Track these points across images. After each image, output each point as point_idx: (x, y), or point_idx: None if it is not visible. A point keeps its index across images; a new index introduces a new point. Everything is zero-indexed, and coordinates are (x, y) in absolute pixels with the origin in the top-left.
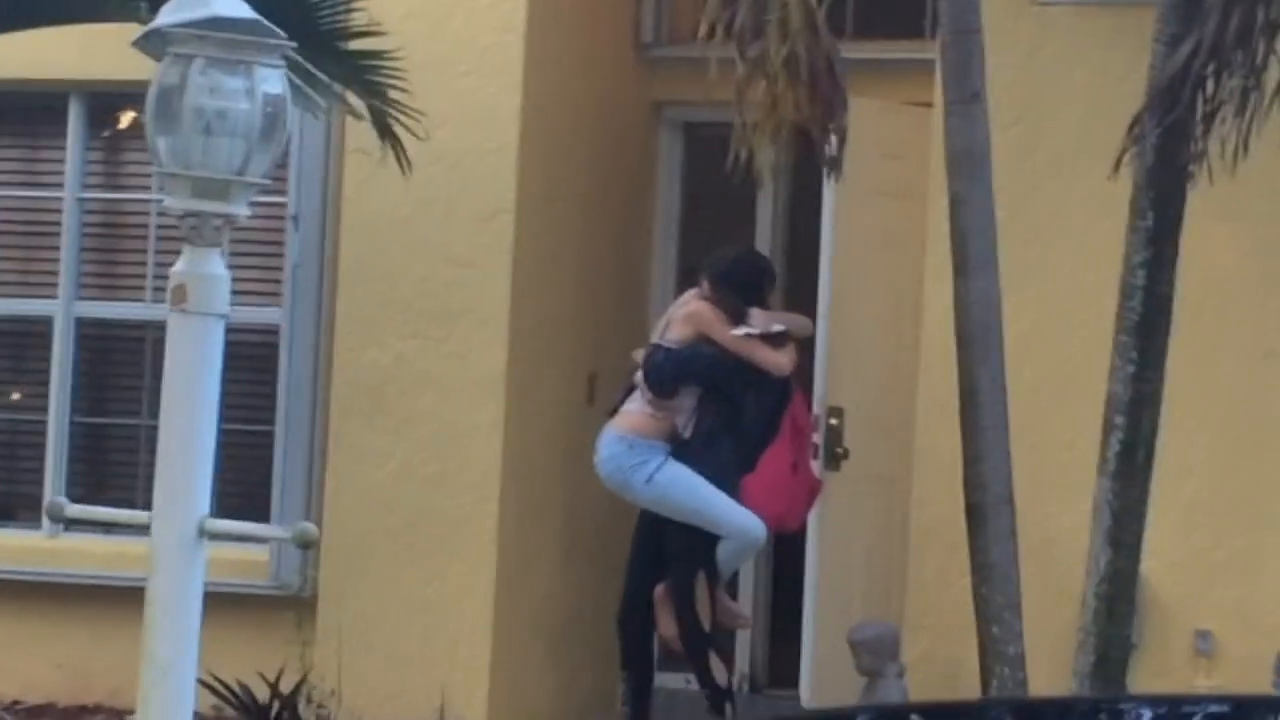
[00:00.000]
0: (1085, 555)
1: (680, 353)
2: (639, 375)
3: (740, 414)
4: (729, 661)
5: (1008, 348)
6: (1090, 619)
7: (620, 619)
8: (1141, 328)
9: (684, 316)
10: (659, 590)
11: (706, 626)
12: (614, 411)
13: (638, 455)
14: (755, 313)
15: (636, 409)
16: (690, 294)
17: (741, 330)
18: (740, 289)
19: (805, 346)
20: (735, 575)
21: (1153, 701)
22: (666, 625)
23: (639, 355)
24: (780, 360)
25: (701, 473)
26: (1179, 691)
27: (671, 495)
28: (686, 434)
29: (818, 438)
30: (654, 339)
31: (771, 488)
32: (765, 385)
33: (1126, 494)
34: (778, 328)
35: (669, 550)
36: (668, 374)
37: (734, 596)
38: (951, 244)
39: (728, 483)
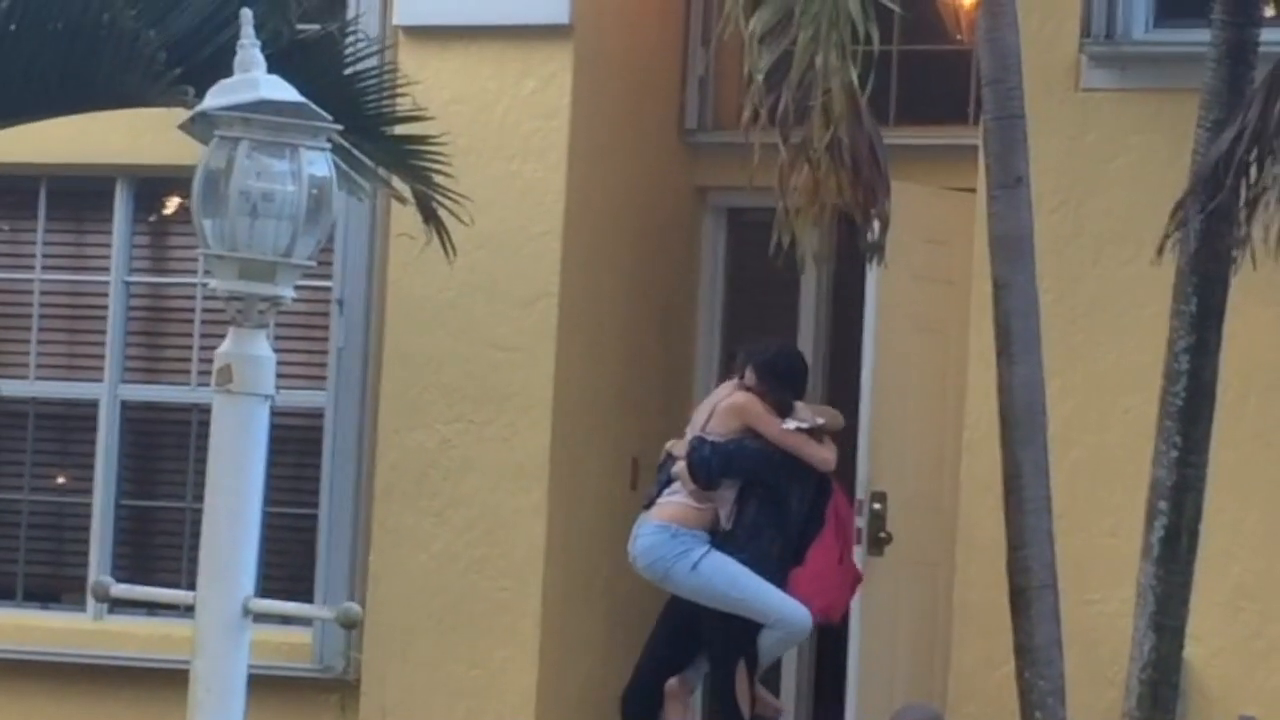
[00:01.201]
0: (1129, 640)
1: (726, 446)
2: (679, 467)
3: (784, 506)
4: None
5: (1051, 432)
6: (1134, 704)
7: (625, 696)
8: (1185, 413)
9: (729, 409)
10: (672, 683)
11: (746, 717)
12: (650, 503)
13: (681, 545)
14: (801, 406)
15: (678, 500)
16: (729, 385)
17: (792, 424)
18: (786, 381)
19: (840, 437)
20: (777, 662)
21: None
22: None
23: (675, 447)
24: (828, 456)
25: (746, 563)
26: None
27: (717, 584)
28: (728, 525)
29: (861, 522)
30: (692, 430)
31: (820, 579)
32: (807, 478)
33: (1170, 579)
34: (820, 421)
35: (706, 641)
36: (715, 467)
37: (777, 682)
38: (995, 328)
39: (771, 573)
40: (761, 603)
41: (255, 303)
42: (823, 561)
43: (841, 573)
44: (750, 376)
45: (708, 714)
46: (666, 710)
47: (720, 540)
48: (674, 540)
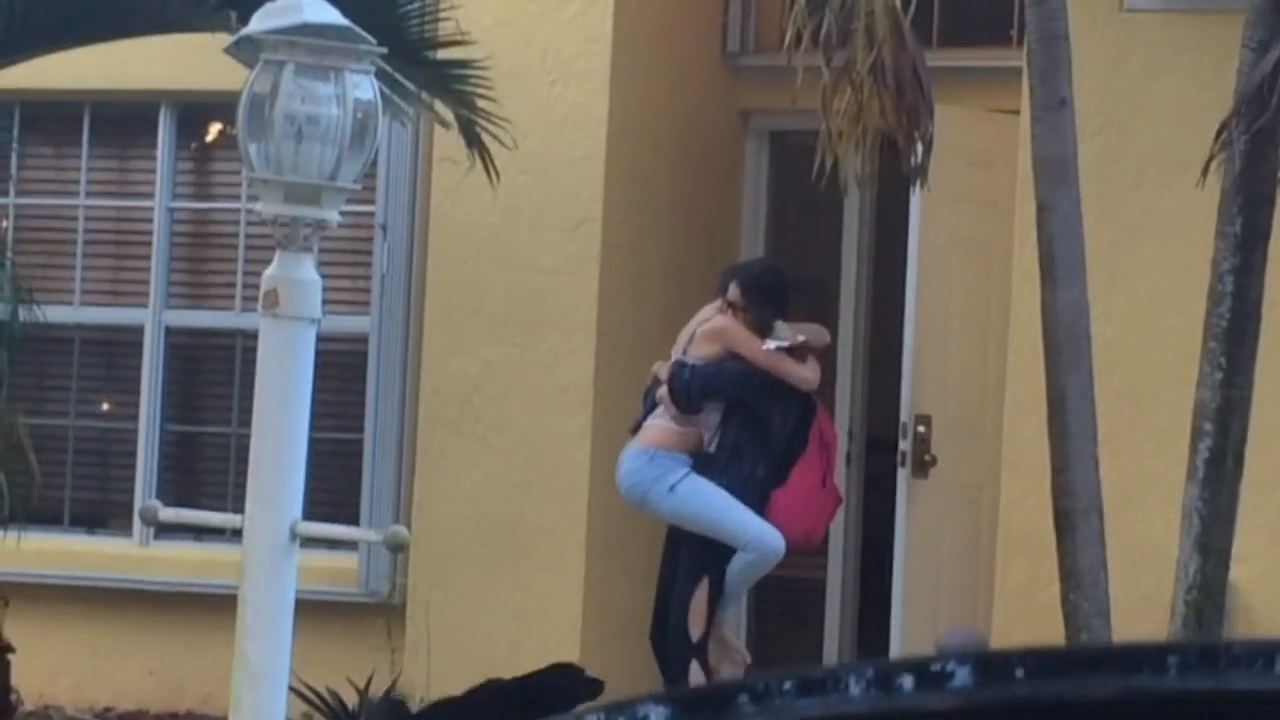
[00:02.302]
0: (1174, 562)
1: (706, 369)
2: (662, 391)
3: (767, 428)
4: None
5: (1095, 355)
6: (1179, 626)
7: (652, 637)
8: (1230, 334)
9: (708, 332)
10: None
11: (695, 636)
12: (636, 428)
13: (659, 468)
14: (781, 325)
15: (660, 424)
16: (712, 307)
17: (772, 344)
18: (770, 297)
19: (825, 354)
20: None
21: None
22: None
23: (661, 370)
24: (809, 375)
25: (726, 486)
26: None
27: (691, 506)
28: (711, 448)
29: (905, 445)
30: (676, 353)
31: (802, 500)
32: (790, 398)
33: (1215, 501)
34: (802, 339)
35: (681, 562)
36: (695, 391)
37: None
38: (1039, 251)
39: (753, 496)
40: (735, 525)
41: (301, 226)
42: (805, 483)
43: (823, 495)
44: (734, 293)
45: None
46: (713, 657)
47: (703, 463)
48: (652, 464)
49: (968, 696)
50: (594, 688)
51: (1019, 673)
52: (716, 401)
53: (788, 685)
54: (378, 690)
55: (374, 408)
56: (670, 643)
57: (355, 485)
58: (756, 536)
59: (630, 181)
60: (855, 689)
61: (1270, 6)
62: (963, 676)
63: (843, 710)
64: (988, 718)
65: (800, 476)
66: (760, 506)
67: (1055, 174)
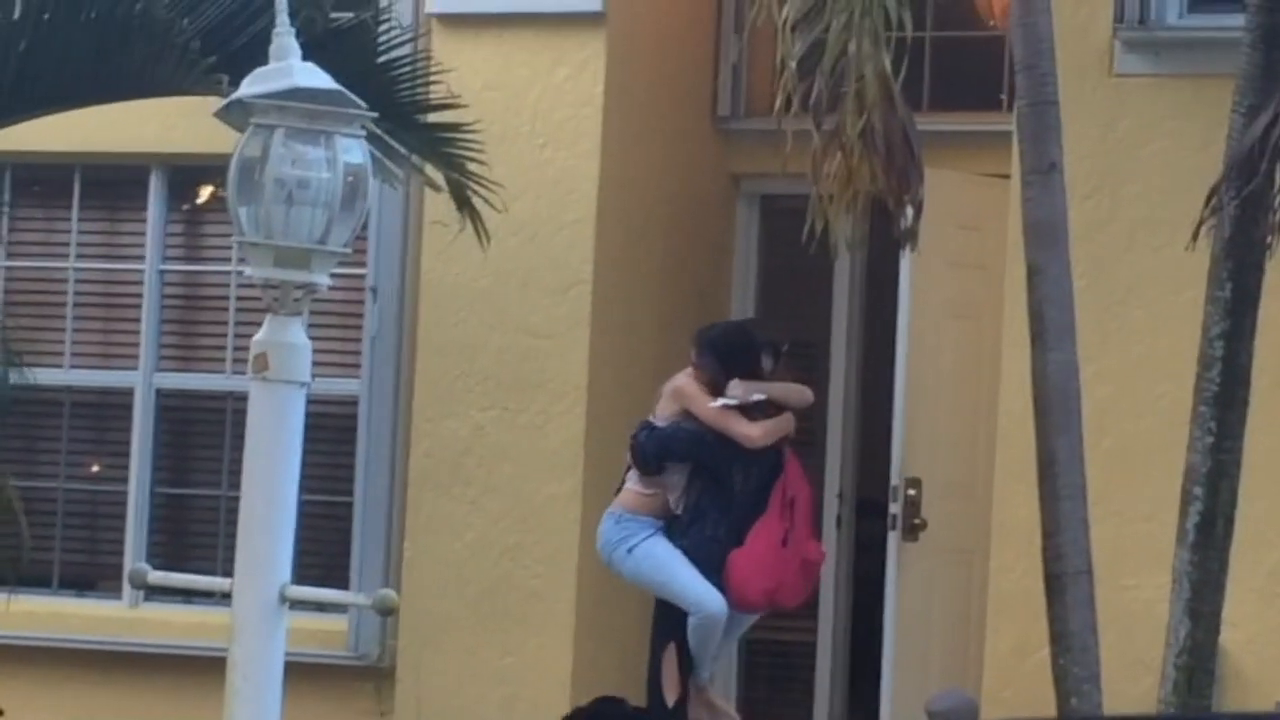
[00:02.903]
0: (1165, 626)
1: (662, 431)
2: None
3: (726, 488)
4: None
5: (1086, 418)
6: (1170, 690)
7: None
8: (1220, 399)
9: (668, 392)
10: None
11: (670, 701)
12: (618, 491)
13: (623, 530)
14: (735, 383)
15: (629, 486)
16: (686, 372)
17: (719, 402)
18: (725, 359)
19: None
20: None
21: None
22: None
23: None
24: (751, 432)
25: (687, 548)
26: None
27: (644, 569)
28: (678, 510)
29: (895, 508)
30: (651, 415)
31: (759, 562)
32: (750, 457)
33: (1206, 565)
34: (756, 397)
35: (652, 626)
36: (650, 452)
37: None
38: (1029, 314)
39: (714, 557)
40: (678, 587)
41: (291, 290)
42: (762, 544)
43: (783, 556)
44: (692, 352)
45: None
46: (692, 711)
47: (669, 525)
48: (617, 526)
49: None
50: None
51: None
52: (673, 462)
53: None
54: None
55: (364, 470)
56: (649, 707)
57: (345, 548)
58: (694, 599)
59: (621, 244)
60: None
61: (1260, 72)
62: None
63: None
64: None
65: (757, 537)
66: (720, 567)
67: (1045, 237)
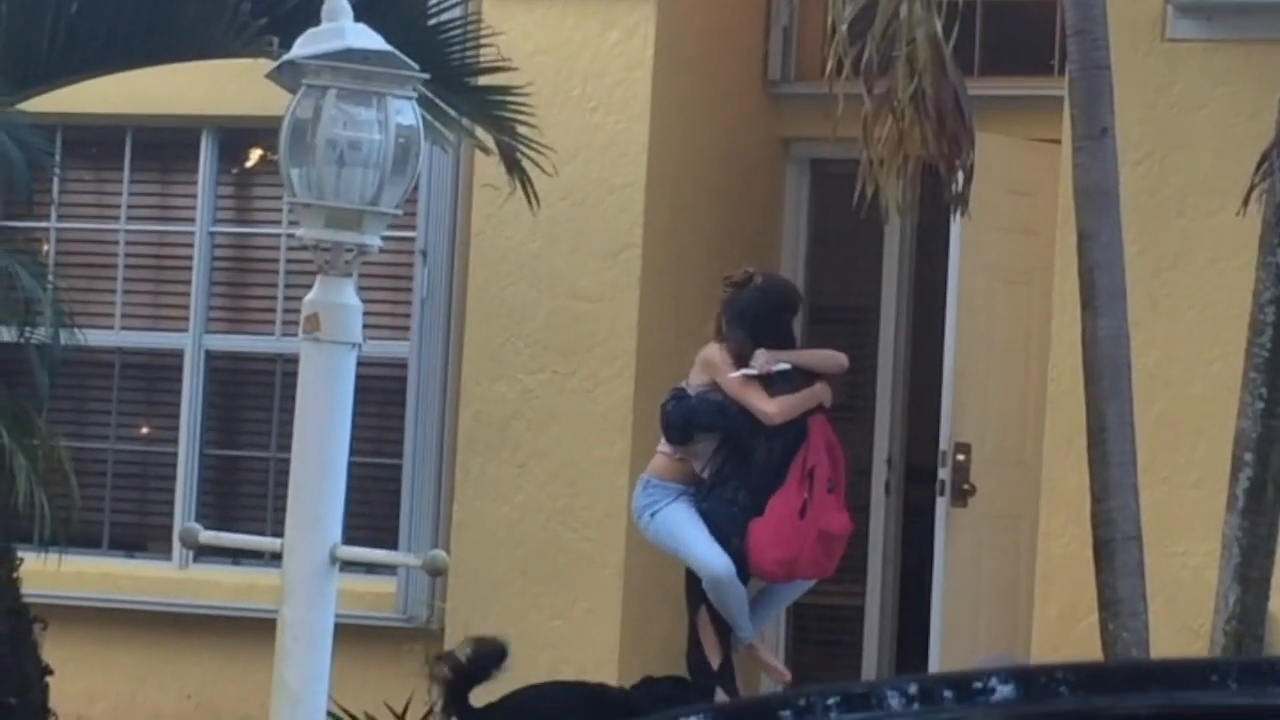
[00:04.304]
0: (1213, 592)
1: (688, 402)
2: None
3: (749, 456)
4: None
5: (1136, 384)
6: (1218, 656)
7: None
8: (1271, 364)
9: (698, 361)
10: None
11: (715, 664)
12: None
13: (650, 496)
14: (759, 353)
15: (660, 449)
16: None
17: (739, 372)
18: (753, 327)
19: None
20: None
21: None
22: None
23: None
24: (768, 409)
25: (707, 513)
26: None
27: (661, 534)
28: (705, 476)
29: (944, 474)
30: (684, 383)
31: (775, 533)
32: (779, 430)
33: (1255, 531)
34: (780, 367)
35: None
36: (675, 422)
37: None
38: (1080, 280)
39: (729, 523)
40: (687, 551)
41: (342, 251)
42: (778, 515)
43: (799, 528)
44: (722, 324)
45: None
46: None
47: (695, 490)
48: (645, 491)
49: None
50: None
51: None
52: (699, 432)
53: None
54: (414, 715)
55: (413, 433)
56: (691, 671)
57: (394, 511)
58: (700, 561)
59: (671, 208)
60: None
61: None
62: (1005, 691)
63: None
64: None
65: (774, 508)
66: (742, 534)
67: (1096, 203)
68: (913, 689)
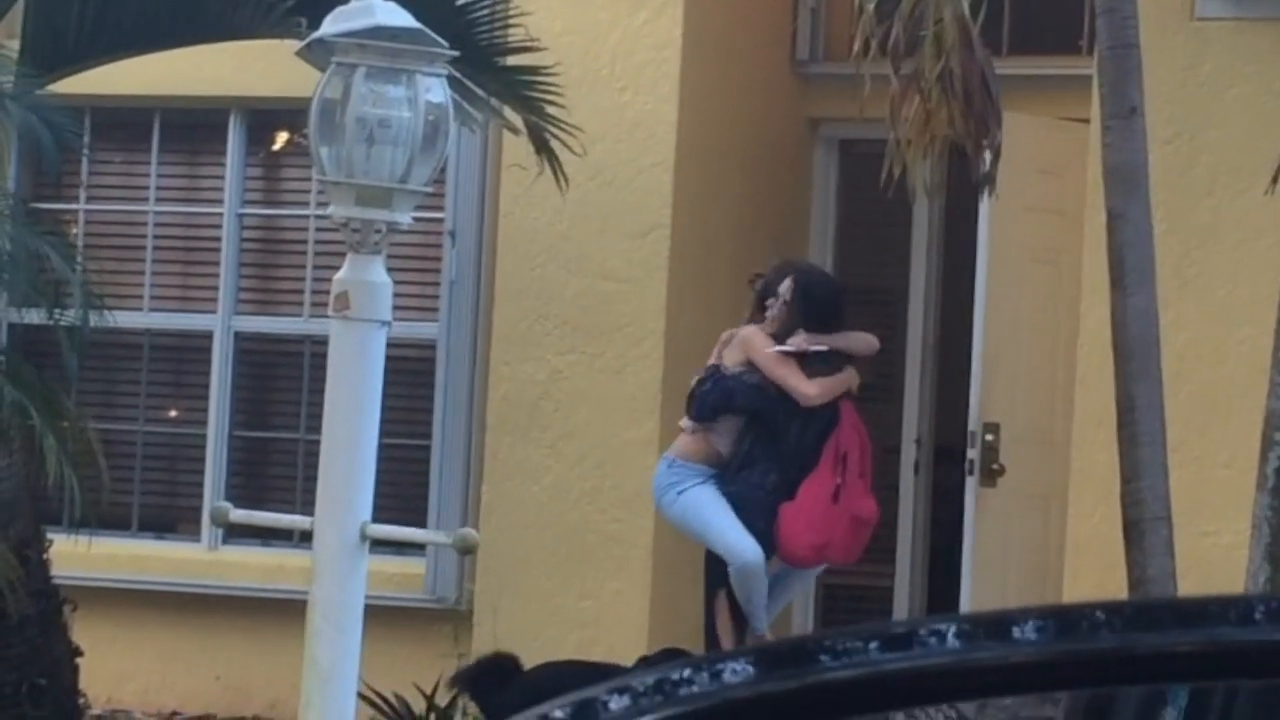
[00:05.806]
0: (1244, 573)
1: (725, 381)
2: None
3: (781, 439)
4: None
5: (1165, 364)
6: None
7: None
8: None
9: (736, 340)
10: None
11: (727, 648)
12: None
13: (673, 476)
14: (798, 333)
15: (684, 432)
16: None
17: (776, 349)
18: (815, 308)
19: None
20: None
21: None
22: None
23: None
24: (809, 390)
25: (734, 495)
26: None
27: (687, 516)
28: (729, 458)
29: (973, 454)
30: (712, 359)
31: (809, 517)
32: (814, 413)
33: None
34: (817, 348)
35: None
36: (709, 402)
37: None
38: (1109, 259)
39: (762, 507)
40: (715, 536)
41: (372, 229)
42: (810, 499)
43: (833, 512)
44: (787, 286)
45: None
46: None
47: (721, 472)
48: (668, 471)
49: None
50: None
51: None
52: (735, 414)
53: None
54: (443, 695)
55: (442, 414)
56: (708, 649)
57: (423, 491)
58: (730, 547)
59: (699, 188)
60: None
61: None
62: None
63: (924, 665)
64: (1068, 670)
65: (807, 492)
66: (769, 518)
67: (1125, 182)
68: (952, 629)
